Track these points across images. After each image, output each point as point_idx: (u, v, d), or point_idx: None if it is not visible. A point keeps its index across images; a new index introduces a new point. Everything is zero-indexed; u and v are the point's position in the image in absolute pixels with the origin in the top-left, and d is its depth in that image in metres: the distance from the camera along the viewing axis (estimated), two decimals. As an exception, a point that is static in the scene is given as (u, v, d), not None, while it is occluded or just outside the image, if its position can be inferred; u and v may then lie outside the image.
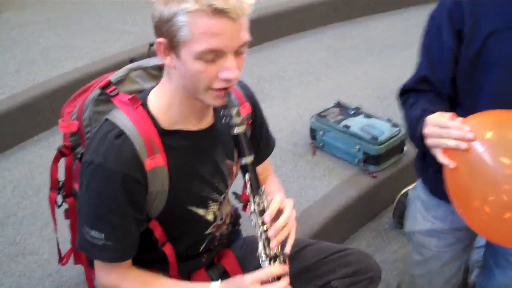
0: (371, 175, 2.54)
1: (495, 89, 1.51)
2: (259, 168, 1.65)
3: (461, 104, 1.61)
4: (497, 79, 1.46)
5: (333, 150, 2.72)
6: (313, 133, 2.78)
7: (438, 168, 1.50)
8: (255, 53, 3.81)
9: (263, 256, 1.37)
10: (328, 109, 2.85)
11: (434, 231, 1.82)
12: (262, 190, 1.37)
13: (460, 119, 1.40)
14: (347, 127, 2.65)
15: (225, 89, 1.28)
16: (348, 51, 3.91)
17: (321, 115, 2.78)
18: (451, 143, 1.36)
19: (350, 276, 1.62)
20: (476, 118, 1.42)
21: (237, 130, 1.32)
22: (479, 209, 1.37)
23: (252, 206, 1.36)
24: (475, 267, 2.16)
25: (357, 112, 2.80)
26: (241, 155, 1.34)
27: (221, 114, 1.33)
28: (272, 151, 1.72)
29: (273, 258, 1.37)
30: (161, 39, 1.27)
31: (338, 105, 2.88)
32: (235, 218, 1.77)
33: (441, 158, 1.41)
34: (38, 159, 2.72)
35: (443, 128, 1.39)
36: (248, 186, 1.35)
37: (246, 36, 1.25)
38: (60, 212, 1.71)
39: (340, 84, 3.48)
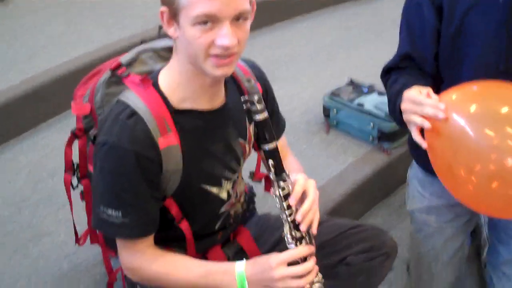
0: (385, 152, 2.53)
1: (477, 62, 1.51)
2: None
3: (444, 80, 1.61)
4: (478, 52, 1.46)
5: (347, 128, 2.71)
6: (326, 111, 2.76)
7: None
8: (267, 34, 3.80)
9: (289, 238, 1.38)
10: (341, 87, 2.82)
11: (432, 208, 1.83)
12: (287, 174, 1.37)
13: (436, 97, 1.38)
14: (361, 105, 2.63)
15: (225, 57, 1.26)
16: (360, 30, 3.88)
17: (334, 94, 2.76)
18: (419, 120, 1.36)
19: (366, 252, 1.61)
20: (456, 92, 1.41)
21: (259, 117, 1.32)
22: (465, 180, 1.36)
23: (277, 191, 1.37)
24: (486, 244, 2.14)
25: (371, 90, 2.77)
26: (263, 141, 1.34)
27: (242, 100, 1.32)
28: (283, 131, 1.71)
29: (299, 240, 1.38)
30: (163, 8, 1.28)
31: (351, 83, 2.86)
32: (250, 196, 1.77)
33: (415, 135, 1.40)
34: (52, 143, 2.73)
35: (417, 105, 1.38)
36: (272, 171, 1.36)
37: (243, 4, 1.24)
38: (76, 195, 1.72)
39: (352, 63, 3.45)
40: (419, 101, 1.37)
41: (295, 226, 1.37)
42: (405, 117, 1.42)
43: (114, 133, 1.31)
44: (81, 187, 1.66)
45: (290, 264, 1.36)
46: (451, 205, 1.78)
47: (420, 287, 2.05)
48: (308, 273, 1.37)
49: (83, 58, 3.07)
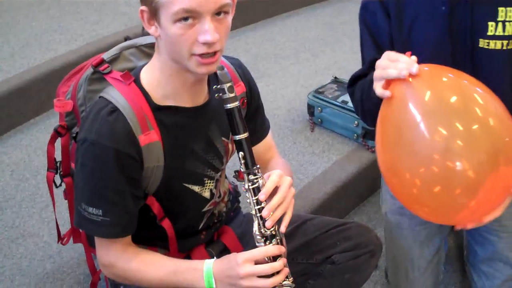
0: (370, 150, 2.53)
1: None
2: (262, 148, 1.66)
3: None
4: (427, 60, 1.44)
5: (332, 126, 2.71)
6: (310, 109, 2.76)
7: None
8: (251, 31, 3.79)
9: (258, 236, 1.35)
10: (325, 85, 2.82)
11: (404, 209, 1.80)
12: (257, 167, 1.35)
13: (414, 58, 1.34)
14: (345, 102, 2.63)
15: (209, 56, 1.26)
16: (344, 27, 3.88)
17: (318, 91, 2.76)
18: (393, 72, 1.31)
19: (351, 250, 1.61)
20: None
21: (230, 105, 1.30)
22: (409, 181, 1.30)
23: (246, 184, 1.34)
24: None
25: (354, 87, 2.77)
26: (234, 131, 1.32)
27: (213, 88, 1.31)
28: (268, 131, 1.69)
29: (268, 238, 1.35)
30: (143, 7, 1.27)
31: (335, 81, 2.86)
32: (235, 195, 1.77)
33: (378, 89, 1.36)
34: (35, 142, 2.70)
35: (393, 61, 1.35)
36: (242, 163, 1.33)
37: None
38: (59, 193, 1.71)
39: (337, 60, 3.45)
40: (395, 58, 1.35)
41: (265, 223, 1.34)
42: (376, 73, 1.37)
43: (94, 130, 1.31)
44: (64, 186, 1.65)
45: (258, 263, 1.33)
46: None
47: None
48: (276, 273, 1.34)
49: (67, 56, 3.05)
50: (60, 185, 1.67)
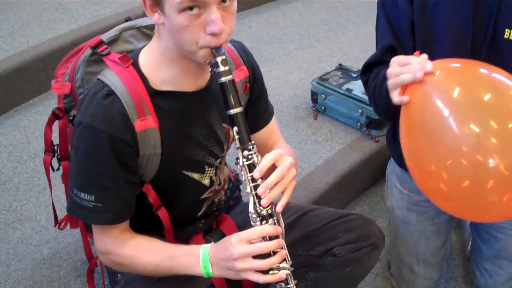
0: (374, 139, 2.50)
1: (452, 57, 1.45)
2: (266, 134, 1.62)
3: None
4: (447, 48, 1.43)
5: (335, 114, 2.67)
6: (314, 96, 2.72)
7: None
8: (254, 15, 3.74)
9: (254, 215, 1.30)
10: (330, 72, 2.78)
11: (412, 204, 1.80)
12: (252, 143, 1.29)
13: (425, 56, 1.32)
14: (349, 90, 2.59)
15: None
16: (349, 12, 3.83)
17: (322, 79, 2.72)
18: (408, 76, 1.29)
19: (353, 242, 1.58)
20: (440, 68, 1.30)
21: (223, 79, 1.25)
22: (435, 174, 1.28)
23: (241, 160, 1.29)
24: (470, 238, 2.14)
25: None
26: (228, 105, 1.27)
27: (207, 62, 1.26)
28: (271, 116, 1.65)
29: (265, 218, 1.31)
30: None
31: (340, 68, 2.81)
32: (235, 183, 1.74)
33: (395, 97, 1.33)
34: (33, 124, 2.67)
35: (404, 65, 1.32)
36: (237, 139, 1.29)
37: None
38: (57, 177, 1.68)
39: (341, 46, 3.40)
40: (406, 61, 1.32)
41: (260, 201, 1.29)
42: (389, 82, 1.35)
43: (89, 113, 1.28)
44: (61, 169, 1.62)
45: (253, 243, 1.29)
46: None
47: (402, 287, 2.03)
48: (273, 254, 1.30)
49: (67, 35, 2.99)
50: (58, 169, 1.64)
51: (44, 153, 1.62)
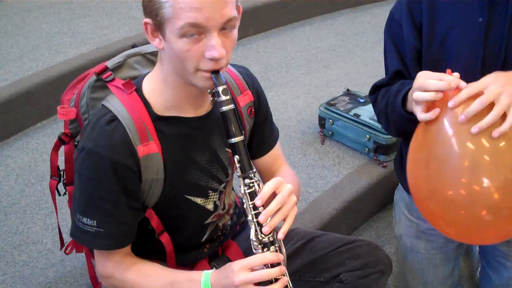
0: (381, 164, 2.49)
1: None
2: (270, 159, 1.62)
3: None
4: (461, 73, 1.41)
5: (343, 139, 2.67)
6: (322, 121, 2.72)
7: None
8: (262, 40, 3.76)
9: (255, 242, 1.29)
10: (337, 97, 2.78)
11: (421, 233, 1.78)
12: (253, 171, 1.29)
13: (457, 74, 1.32)
14: (357, 116, 2.59)
15: (215, 71, 1.23)
16: (357, 38, 3.85)
17: (330, 103, 2.72)
18: (440, 83, 1.29)
19: (360, 269, 1.56)
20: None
21: (224, 108, 1.25)
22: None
23: (242, 188, 1.29)
24: (479, 264, 2.12)
25: (368, 100, 2.73)
26: (229, 134, 1.27)
27: (208, 92, 1.27)
28: (276, 141, 1.65)
29: (266, 245, 1.30)
30: (147, 19, 1.24)
31: (348, 93, 2.82)
32: (242, 209, 1.73)
33: (420, 114, 1.33)
34: (41, 147, 2.68)
35: (430, 78, 1.32)
36: (238, 167, 1.29)
37: (231, 12, 1.20)
38: (64, 201, 1.68)
39: (349, 71, 3.42)
40: (434, 75, 1.32)
41: (262, 229, 1.28)
42: (415, 95, 1.33)
43: (92, 139, 1.29)
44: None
45: (255, 270, 1.27)
46: None
47: None
48: (275, 281, 1.29)
49: (76, 59, 3.03)
50: (65, 194, 1.64)
51: (50, 177, 1.62)
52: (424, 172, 1.36)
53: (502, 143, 1.25)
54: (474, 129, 1.23)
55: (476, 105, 1.24)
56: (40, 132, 2.79)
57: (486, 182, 1.24)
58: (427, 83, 1.30)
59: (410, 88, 1.44)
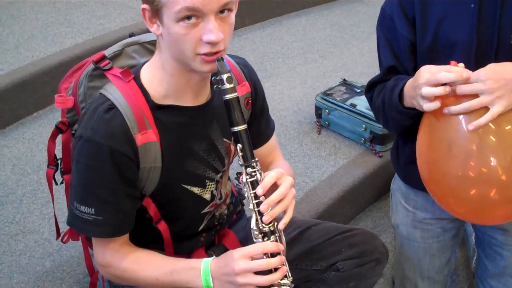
0: (377, 154, 2.49)
1: None
2: (265, 150, 1.62)
3: None
4: (458, 61, 1.42)
5: (339, 129, 2.67)
6: (318, 111, 2.72)
7: (409, 158, 1.54)
8: (259, 30, 3.76)
9: (256, 231, 1.31)
10: (334, 87, 2.79)
11: (418, 222, 1.79)
12: (255, 160, 1.30)
13: (462, 64, 1.36)
14: (353, 105, 2.59)
15: (213, 54, 1.23)
16: (353, 28, 3.85)
17: (326, 94, 2.72)
18: (450, 75, 1.32)
19: (356, 258, 1.58)
20: None
21: (228, 96, 1.26)
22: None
23: (244, 177, 1.30)
24: (475, 254, 2.13)
25: (364, 90, 2.73)
26: (232, 122, 1.28)
27: (212, 80, 1.27)
28: (272, 133, 1.66)
29: (267, 234, 1.31)
30: (144, 5, 1.24)
31: (344, 83, 2.82)
32: (238, 198, 1.73)
33: (427, 105, 1.35)
34: (37, 136, 2.67)
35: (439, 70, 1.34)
36: (240, 155, 1.29)
37: None
38: (61, 190, 1.68)
39: (345, 61, 3.42)
40: (445, 67, 1.34)
41: (262, 218, 1.29)
42: (425, 90, 1.34)
43: (90, 127, 1.29)
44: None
45: (255, 259, 1.29)
46: (437, 218, 1.75)
47: None
48: (274, 271, 1.30)
49: (72, 49, 3.01)
50: (62, 183, 1.64)
51: (47, 166, 1.62)
52: (435, 155, 1.42)
53: (508, 127, 1.34)
54: (470, 126, 1.31)
55: (462, 107, 1.33)
56: (37, 122, 2.78)
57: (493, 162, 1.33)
58: (438, 77, 1.32)
59: (405, 83, 1.45)
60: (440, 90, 1.32)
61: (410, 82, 1.43)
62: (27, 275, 1.98)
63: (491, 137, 1.34)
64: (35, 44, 3.12)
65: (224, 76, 1.24)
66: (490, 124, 1.32)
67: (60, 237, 1.73)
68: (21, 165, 2.50)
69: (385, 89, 1.56)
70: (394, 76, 1.57)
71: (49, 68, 2.84)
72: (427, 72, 1.35)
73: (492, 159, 1.33)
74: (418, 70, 1.38)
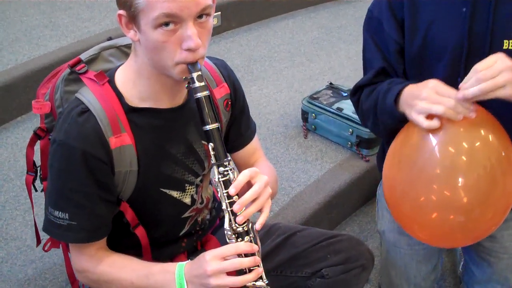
0: (364, 159, 2.48)
1: (446, 76, 1.45)
2: (247, 152, 1.60)
3: None
4: (443, 65, 1.41)
5: (326, 133, 2.66)
6: (304, 115, 2.71)
7: None
8: (245, 33, 3.74)
9: (229, 232, 1.28)
10: (320, 91, 2.77)
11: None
12: (228, 159, 1.28)
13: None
14: (340, 109, 2.58)
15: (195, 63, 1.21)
16: (340, 31, 3.85)
17: (313, 97, 2.71)
18: (448, 112, 1.29)
19: (342, 264, 1.56)
20: None
21: (199, 94, 1.23)
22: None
23: (216, 177, 1.27)
24: (462, 259, 2.12)
25: (350, 94, 2.73)
26: (203, 121, 1.25)
27: (183, 78, 1.25)
28: (254, 134, 1.63)
29: (240, 235, 1.28)
30: (121, 11, 1.22)
31: (331, 86, 2.81)
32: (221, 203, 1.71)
33: (424, 122, 1.32)
34: (21, 142, 2.64)
35: (442, 96, 1.31)
36: (212, 154, 1.27)
37: (205, 0, 1.18)
38: (41, 196, 1.66)
39: (332, 65, 3.41)
40: (446, 93, 1.31)
41: (236, 218, 1.26)
42: (422, 105, 1.32)
43: (63, 130, 1.27)
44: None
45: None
46: None
47: None
48: (248, 272, 1.28)
49: (57, 52, 2.99)
50: (42, 190, 1.62)
51: (26, 173, 1.60)
52: (399, 174, 1.42)
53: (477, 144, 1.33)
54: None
55: (478, 88, 1.25)
56: (20, 127, 2.75)
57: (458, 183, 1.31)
58: (442, 101, 1.30)
59: (401, 88, 1.43)
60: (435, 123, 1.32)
61: (411, 89, 1.40)
62: (8, 283, 1.95)
63: (461, 156, 1.32)
64: (19, 47, 3.09)
65: (195, 75, 1.22)
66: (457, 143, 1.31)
67: (42, 246, 1.71)
68: (4, 170, 2.47)
69: (376, 92, 1.53)
70: (383, 79, 1.55)
71: (33, 71, 2.82)
72: (434, 91, 1.32)
73: (458, 180, 1.30)
74: (426, 81, 1.36)
